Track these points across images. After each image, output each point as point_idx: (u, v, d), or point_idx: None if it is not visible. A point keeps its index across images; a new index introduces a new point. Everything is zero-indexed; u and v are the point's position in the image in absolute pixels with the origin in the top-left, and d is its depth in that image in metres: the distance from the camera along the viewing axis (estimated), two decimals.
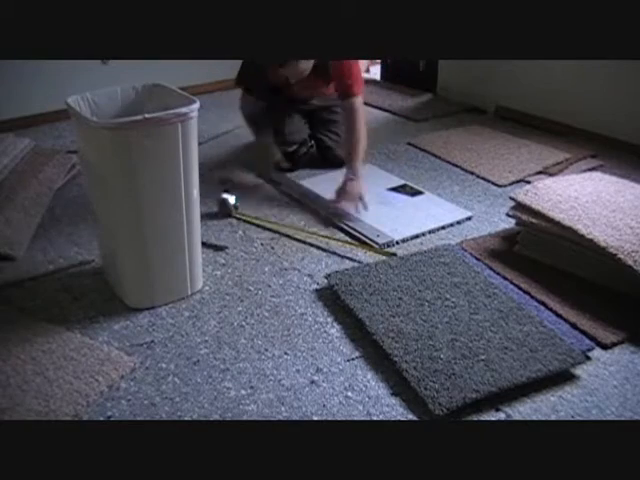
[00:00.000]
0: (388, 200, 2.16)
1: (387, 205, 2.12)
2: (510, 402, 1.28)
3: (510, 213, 1.84)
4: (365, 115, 2.41)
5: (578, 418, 1.24)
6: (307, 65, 2.14)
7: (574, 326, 1.48)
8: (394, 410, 1.27)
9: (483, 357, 1.35)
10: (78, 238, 1.94)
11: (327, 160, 2.42)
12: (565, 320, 1.50)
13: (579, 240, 1.59)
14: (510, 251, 1.79)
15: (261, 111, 2.39)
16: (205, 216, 1.99)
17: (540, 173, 2.35)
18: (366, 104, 3.20)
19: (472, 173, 2.40)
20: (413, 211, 2.07)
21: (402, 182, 2.29)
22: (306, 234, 1.93)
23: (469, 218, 2.03)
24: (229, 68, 3.36)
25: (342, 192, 2.06)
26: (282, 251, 1.86)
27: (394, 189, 2.24)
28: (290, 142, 2.38)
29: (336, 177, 2.34)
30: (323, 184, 2.26)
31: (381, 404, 1.28)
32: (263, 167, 2.38)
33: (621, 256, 1.50)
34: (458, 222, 2.01)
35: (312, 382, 1.35)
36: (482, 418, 1.24)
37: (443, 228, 1.98)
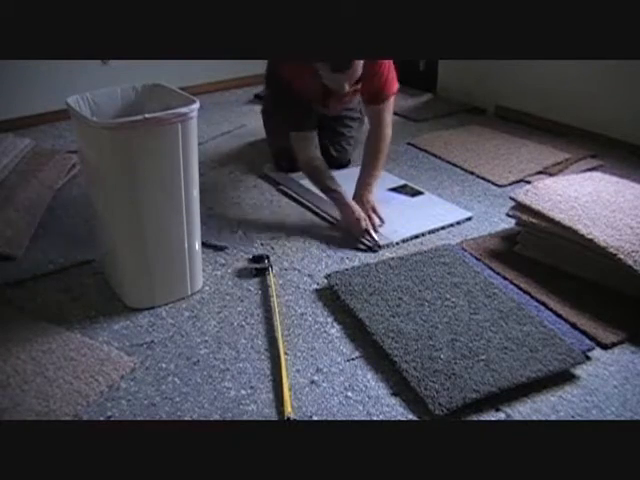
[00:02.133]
0: (388, 200, 2.15)
1: (387, 205, 2.12)
2: (510, 402, 1.28)
3: (510, 213, 1.84)
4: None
5: (578, 418, 1.24)
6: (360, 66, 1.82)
7: (574, 326, 1.48)
8: (394, 410, 1.27)
9: (483, 357, 1.35)
10: (78, 238, 1.94)
11: (328, 163, 2.43)
12: (565, 320, 1.50)
13: (579, 240, 1.59)
14: (510, 251, 1.79)
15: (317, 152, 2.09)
16: (205, 216, 1.99)
17: (540, 173, 2.35)
18: None
19: (472, 173, 2.40)
20: (413, 211, 2.07)
21: (402, 182, 2.29)
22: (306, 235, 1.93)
23: (469, 218, 2.03)
24: (229, 68, 3.39)
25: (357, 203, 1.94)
26: (282, 251, 1.86)
27: (394, 189, 2.24)
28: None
29: (337, 176, 2.34)
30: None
31: (381, 404, 1.28)
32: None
33: (621, 256, 1.50)
34: (458, 222, 2.01)
35: (312, 382, 1.35)
36: (482, 418, 1.24)
37: (443, 228, 1.98)
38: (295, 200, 2.19)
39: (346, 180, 2.29)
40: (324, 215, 2.06)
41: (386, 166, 2.45)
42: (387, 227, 1.96)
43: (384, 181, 2.30)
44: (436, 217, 2.02)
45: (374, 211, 1.96)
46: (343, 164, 2.45)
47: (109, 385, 1.33)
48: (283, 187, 2.28)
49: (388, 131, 2.05)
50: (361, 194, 1.99)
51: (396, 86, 2.01)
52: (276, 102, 2.24)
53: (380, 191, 2.21)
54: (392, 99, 2.01)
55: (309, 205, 2.14)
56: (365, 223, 1.85)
